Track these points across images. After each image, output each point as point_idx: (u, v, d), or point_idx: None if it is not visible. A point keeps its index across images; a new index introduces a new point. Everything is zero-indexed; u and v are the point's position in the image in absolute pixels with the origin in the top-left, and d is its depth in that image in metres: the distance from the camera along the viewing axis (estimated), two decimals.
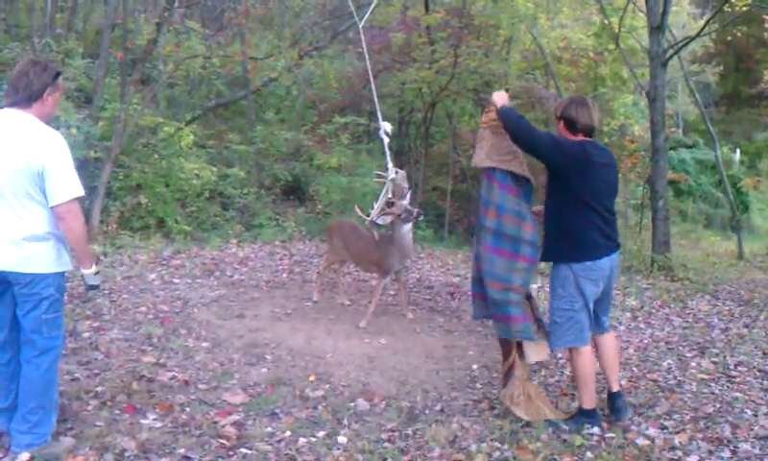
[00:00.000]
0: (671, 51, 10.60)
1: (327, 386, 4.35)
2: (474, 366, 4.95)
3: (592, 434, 3.81)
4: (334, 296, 6.68)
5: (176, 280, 6.76)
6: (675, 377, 5.03)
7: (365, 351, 5.08)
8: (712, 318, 7.29)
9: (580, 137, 3.83)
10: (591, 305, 3.88)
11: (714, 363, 5.53)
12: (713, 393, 4.74)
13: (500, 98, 3.98)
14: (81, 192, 3.08)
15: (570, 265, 3.81)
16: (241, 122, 14.27)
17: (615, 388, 4.10)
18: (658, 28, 10.17)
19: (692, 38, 11.41)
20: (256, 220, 11.14)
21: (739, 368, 5.43)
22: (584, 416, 3.92)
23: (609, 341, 4.15)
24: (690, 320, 7.16)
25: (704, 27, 11.36)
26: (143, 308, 5.63)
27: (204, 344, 4.94)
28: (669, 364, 5.39)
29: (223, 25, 14.01)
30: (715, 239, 19.94)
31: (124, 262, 7.50)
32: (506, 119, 3.85)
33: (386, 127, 5.74)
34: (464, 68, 11.78)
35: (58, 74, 3.16)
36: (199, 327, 5.32)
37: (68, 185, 3.03)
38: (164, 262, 7.72)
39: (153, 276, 6.83)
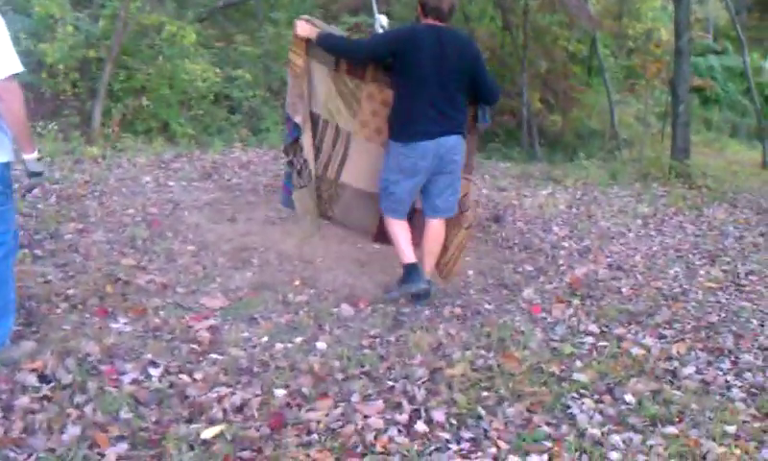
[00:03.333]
0: None
1: (312, 291, 4.19)
2: (470, 272, 4.76)
3: (583, 342, 3.63)
4: None
5: (170, 183, 6.57)
6: (680, 286, 4.83)
7: (356, 256, 4.90)
8: (727, 226, 7.04)
9: (429, 21, 4.01)
10: (411, 184, 4.08)
11: (724, 271, 5.32)
12: (719, 302, 4.55)
13: (304, 30, 4.17)
14: (19, 68, 2.80)
15: (394, 142, 4.09)
16: (251, 23, 13.83)
17: (426, 272, 4.20)
18: None
19: None
20: (263, 124, 10.88)
21: (750, 277, 5.23)
22: (405, 272, 4.15)
23: (433, 226, 4.22)
24: (704, 228, 6.92)
25: None
26: (131, 211, 5.46)
27: (190, 247, 4.77)
28: (676, 272, 5.19)
29: None
30: (740, 148, 19.42)
31: (121, 165, 7.32)
32: (324, 46, 4.17)
33: (382, 20, 5.40)
34: None
35: None
36: (187, 230, 5.15)
37: (3, 61, 2.74)
38: (163, 165, 7.52)
39: (147, 178, 6.65)
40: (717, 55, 24.99)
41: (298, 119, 4.40)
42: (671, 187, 9.10)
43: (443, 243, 4.28)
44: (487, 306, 4.16)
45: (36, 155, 3.06)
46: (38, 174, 3.12)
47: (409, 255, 4.15)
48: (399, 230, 4.19)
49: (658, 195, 8.40)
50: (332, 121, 4.49)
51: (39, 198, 5.57)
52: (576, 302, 4.24)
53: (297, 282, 4.26)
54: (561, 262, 5.09)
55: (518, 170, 9.88)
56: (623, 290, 4.54)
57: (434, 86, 3.97)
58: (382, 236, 4.54)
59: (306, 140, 4.49)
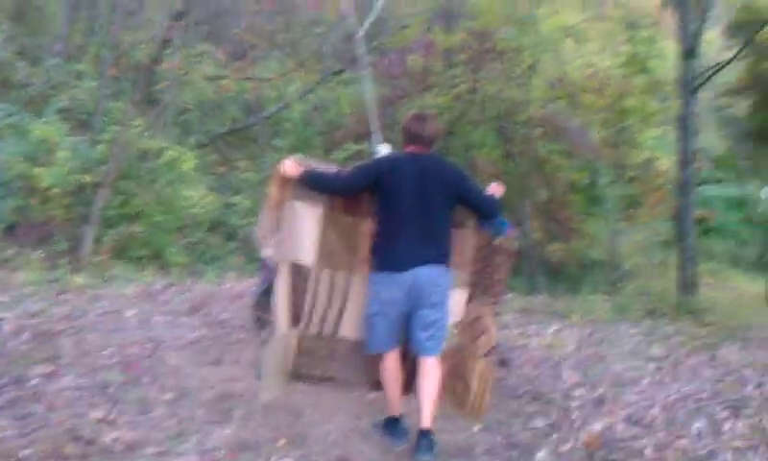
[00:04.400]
0: (702, 78, 9.97)
1: (299, 453, 3.74)
2: (475, 428, 4.31)
3: None
4: None
5: (155, 318, 6.20)
6: (705, 446, 4.36)
7: (350, 408, 4.46)
8: (745, 370, 6.58)
9: (411, 148, 4.02)
10: (392, 316, 3.94)
11: (751, 427, 4.85)
12: None
13: (290, 168, 4.13)
14: None
15: (372, 273, 4.05)
16: (253, 149, 13.85)
17: (424, 424, 3.85)
18: (688, 53, 9.58)
19: (724, 64, 10.79)
20: (259, 252, 10.61)
21: None
22: (387, 422, 4.07)
23: (424, 367, 3.94)
24: (720, 372, 6.46)
25: (737, 53, 10.74)
26: (108, 351, 5.06)
27: (167, 395, 4.35)
28: (699, 428, 4.72)
29: (238, 50, 13.71)
30: (742, 279, 19.13)
31: (106, 296, 6.96)
32: (312, 184, 4.14)
33: (382, 150, 5.18)
34: (483, 94, 11.26)
35: None
36: (166, 374, 4.73)
37: None
38: (150, 297, 7.17)
39: (132, 312, 6.27)
40: (717, 184, 25.11)
41: (267, 252, 4.35)
42: (680, 325, 8.71)
43: (438, 384, 3.97)
44: None
45: None
46: None
47: (393, 407, 4.04)
48: (386, 369, 4.05)
49: (668, 334, 7.98)
50: (327, 269, 4.30)
51: (12, 335, 5.19)
52: None
53: (282, 442, 3.82)
54: (574, 416, 4.65)
55: (521, 303, 9.49)
56: (645, 451, 4.09)
57: (412, 215, 3.92)
58: (378, 384, 4.27)
59: (281, 284, 4.24)
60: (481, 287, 4.51)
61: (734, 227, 23.24)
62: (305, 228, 4.25)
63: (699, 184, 22.90)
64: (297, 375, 4.48)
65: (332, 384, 4.76)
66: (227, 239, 10.80)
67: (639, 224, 18.57)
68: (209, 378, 4.74)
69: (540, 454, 3.94)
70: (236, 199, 10.87)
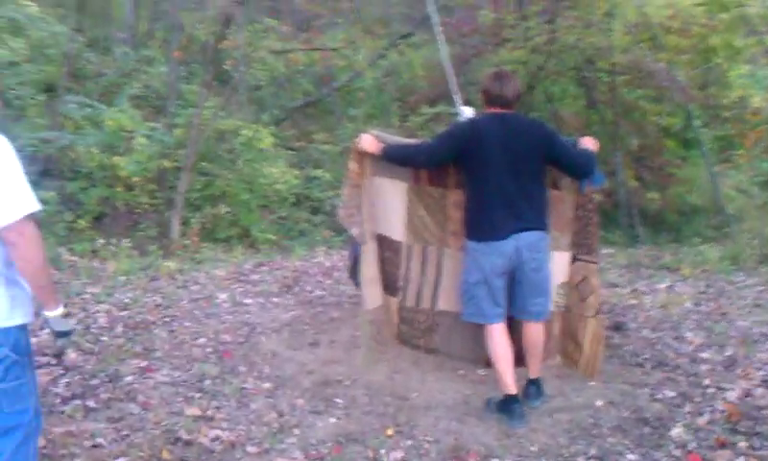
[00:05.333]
0: None
1: (409, 442, 3.44)
2: (599, 402, 3.92)
3: None
4: None
5: (247, 301, 6.02)
6: None
7: (459, 388, 4.14)
8: None
9: (494, 109, 3.79)
10: (493, 284, 3.74)
11: None
12: None
13: (369, 146, 3.99)
14: (35, 206, 2.30)
15: (470, 241, 3.81)
16: (330, 120, 13.59)
17: (532, 374, 3.94)
18: None
19: None
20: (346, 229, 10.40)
21: None
22: (502, 401, 3.75)
23: (531, 329, 3.88)
24: None
25: None
26: (202, 340, 4.89)
27: (266, 385, 4.12)
28: None
29: (302, 22, 13.44)
30: None
31: (198, 281, 6.84)
32: (393, 160, 3.99)
33: (466, 112, 4.80)
34: (561, 44, 10.63)
35: None
36: (263, 361, 4.52)
37: (17, 199, 2.26)
38: (243, 278, 7.02)
39: (223, 296, 6.11)
40: None
41: (355, 231, 4.15)
42: None
43: (542, 344, 3.94)
44: (630, 456, 3.31)
45: (60, 310, 2.50)
46: (66, 333, 2.57)
47: (506, 383, 3.73)
48: (496, 343, 3.78)
49: None
50: (417, 244, 4.26)
51: (105, 329, 5.08)
52: (742, 443, 3.34)
53: (390, 432, 3.52)
54: (706, 382, 4.18)
55: (625, 258, 8.99)
56: None
57: (505, 180, 3.70)
58: (488, 360, 4.06)
59: (367, 261, 4.20)
60: (583, 247, 4.23)
61: None
62: (391, 204, 4.17)
63: None
64: (401, 341, 4.49)
65: (437, 361, 4.48)
66: (312, 213, 10.60)
67: (738, 165, 17.49)
68: (307, 363, 4.50)
69: (676, 430, 3.51)
70: (317, 172, 10.63)
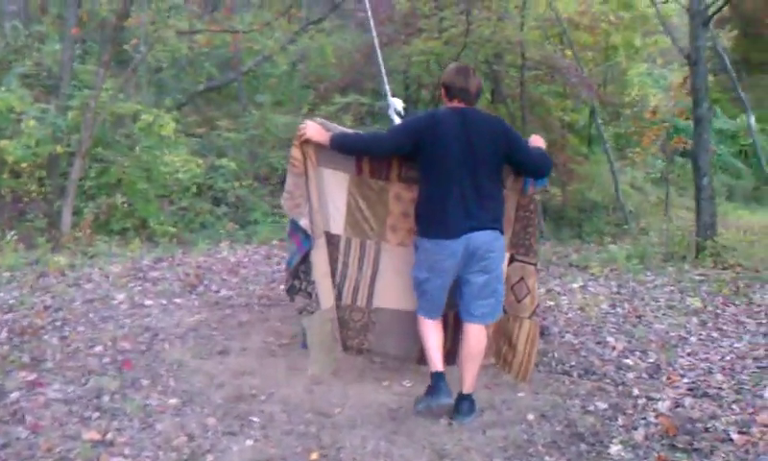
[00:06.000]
0: (715, 7, 9.28)
1: None
2: (530, 416, 3.74)
3: None
4: None
5: (148, 302, 5.57)
6: None
7: (384, 402, 3.87)
8: None
9: (454, 104, 3.68)
10: (441, 282, 3.66)
11: None
12: None
13: (316, 133, 3.83)
14: None
15: (421, 237, 3.69)
16: (232, 107, 13.05)
17: (465, 389, 3.69)
18: None
19: None
20: (251, 216, 9.97)
21: None
22: (430, 382, 3.68)
23: (470, 333, 3.71)
24: (765, 321, 5.96)
25: None
26: (99, 348, 4.43)
27: (172, 401, 3.73)
28: None
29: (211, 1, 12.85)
30: (742, 213, 18.77)
31: (92, 277, 6.32)
32: (342, 149, 3.84)
33: (396, 104, 4.55)
34: (476, 37, 10.53)
35: None
36: (167, 373, 4.12)
37: None
38: (141, 275, 6.53)
39: (121, 296, 5.64)
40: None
41: (304, 223, 3.89)
42: (705, 269, 8.22)
43: (483, 352, 3.77)
44: None
45: None
46: None
47: (435, 363, 3.71)
48: (430, 332, 3.77)
49: (696, 282, 7.46)
50: (355, 238, 4.09)
51: None
52: None
53: (314, 456, 3.21)
54: (635, 392, 4.07)
55: None
56: (732, 435, 3.53)
57: (462, 177, 3.58)
58: (424, 359, 3.94)
59: (319, 256, 3.96)
60: (521, 248, 4.13)
61: (727, 159, 22.82)
62: (331, 195, 4.02)
63: (687, 118, 22.52)
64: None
65: (358, 370, 4.21)
66: (215, 204, 10.10)
67: (633, 163, 18.03)
68: (217, 375, 4.13)
69: (615, 448, 3.36)
70: (222, 161, 10.13)
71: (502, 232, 3.73)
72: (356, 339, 4.19)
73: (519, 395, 4.00)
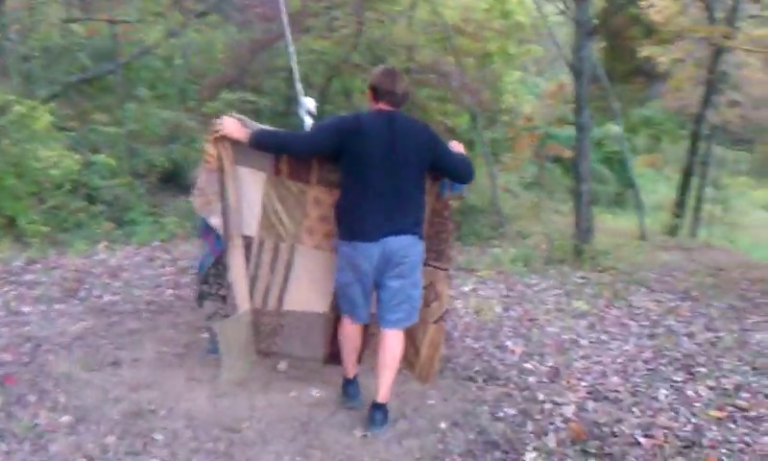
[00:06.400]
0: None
1: None
2: (442, 424, 3.71)
3: None
4: None
5: (25, 308, 5.16)
6: (687, 420, 3.99)
7: (294, 414, 3.73)
8: (667, 319, 6.41)
9: (381, 106, 3.63)
10: (362, 285, 3.63)
11: (711, 388, 4.57)
12: (744, 441, 3.73)
13: (234, 129, 3.66)
14: None
15: (340, 240, 3.68)
16: (108, 100, 12.38)
17: (379, 398, 3.64)
18: None
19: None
20: (129, 215, 9.46)
21: (742, 393, 4.50)
22: (342, 385, 3.90)
23: (386, 339, 3.67)
24: (647, 324, 6.24)
25: None
26: None
27: (64, 418, 3.45)
28: (666, 396, 4.36)
29: None
30: (608, 217, 19.72)
31: None
32: (261, 146, 3.71)
33: (308, 104, 4.42)
34: (368, 38, 10.50)
35: None
36: (55, 387, 3.80)
37: None
38: (14, 278, 6.05)
39: None
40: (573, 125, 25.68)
41: (215, 221, 3.74)
42: (585, 273, 8.54)
43: (398, 358, 3.71)
44: None
45: None
46: None
47: (347, 369, 3.87)
48: (347, 337, 3.81)
49: (578, 284, 7.74)
50: (269, 239, 3.97)
51: None
52: None
53: None
54: (540, 396, 4.14)
55: None
56: (639, 438, 3.64)
57: (383, 181, 3.53)
58: (332, 359, 4.11)
59: (235, 257, 3.82)
60: (433, 253, 4.07)
61: (594, 165, 23.93)
62: (247, 195, 3.89)
63: (549, 124, 23.48)
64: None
65: (263, 380, 4.05)
66: (89, 202, 9.51)
67: (507, 168, 18.59)
68: (111, 388, 3.86)
69: (530, 455, 3.38)
70: (99, 157, 9.55)
71: (421, 238, 3.70)
72: (264, 343, 4.06)
73: (430, 402, 3.98)
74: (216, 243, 3.76)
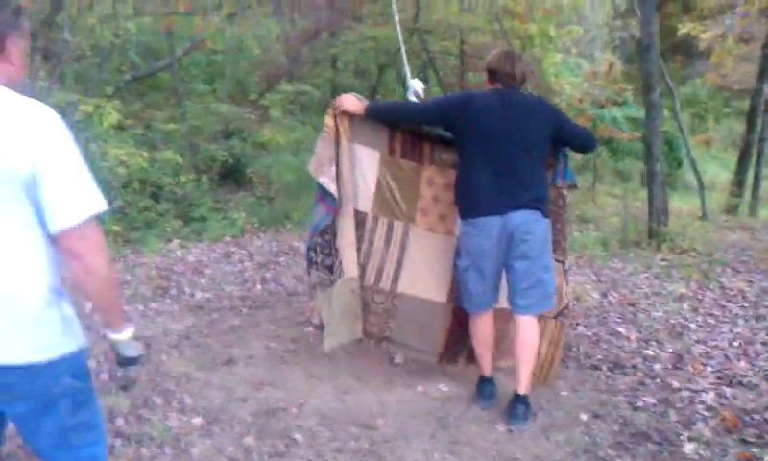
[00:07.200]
0: None
1: None
2: (583, 416, 3.53)
3: None
4: None
5: (124, 307, 5.06)
6: None
7: (427, 409, 3.58)
8: (765, 299, 6.14)
9: (497, 86, 3.55)
10: (484, 269, 3.46)
11: None
12: None
13: (352, 104, 3.73)
14: (101, 205, 1.80)
15: (461, 220, 3.60)
16: (160, 97, 12.35)
17: (520, 390, 3.47)
18: None
19: None
20: (196, 212, 9.39)
21: None
22: (478, 383, 3.73)
23: (520, 327, 3.49)
24: (746, 305, 5.98)
25: None
26: (92, 362, 3.95)
27: (195, 420, 3.33)
28: None
29: None
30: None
31: None
32: (377, 115, 3.77)
33: (416, 86, 4.26)
34: (426, 22, 10.31)
35: (19, 10, 1.83)
36: (177, 387, 3.70)
37: (81, 195, 1.74)
38: None
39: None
40: (619, 106, 25.15)
41: (323, 180, 3.71)
42: (664, 255, 8.28)
43: (536, 346, 3.54)
44: None
45: (130, 332, 1.96)
46: (133, 360, 2.00)
47: (482, 365, 3.70)
48: (477, 330, 3.64)
49: (664, 268, 7.48)
50: (383, 217, 3.91)
51: None
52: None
53: None
54: (675, 384, 3.94)
55: None
56: None
57: (499, 156, 3.42)
58: (449, 355, 3.98)
59: (345, 224, 3.82)
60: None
61: (638, 146, 23.43)
62: (362, 172, 3.87)
63: (602, 106, 23.09)
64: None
65: (384, 377, 3.90)
66: (157, 201, 9.47)
67: None
68: (234, 387, 3.74)
69: (689, 445, 3.19)
70: (165, 154, 9.49)
71: (546, 216, 3.51)
72: (377, 326, 3.92)
73: (563, 393, 3.80)
74: (333, 203, 3.69)
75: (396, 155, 3.89)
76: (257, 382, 3.81)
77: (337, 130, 3.74)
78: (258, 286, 5.91)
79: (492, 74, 3.57)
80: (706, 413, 3.56)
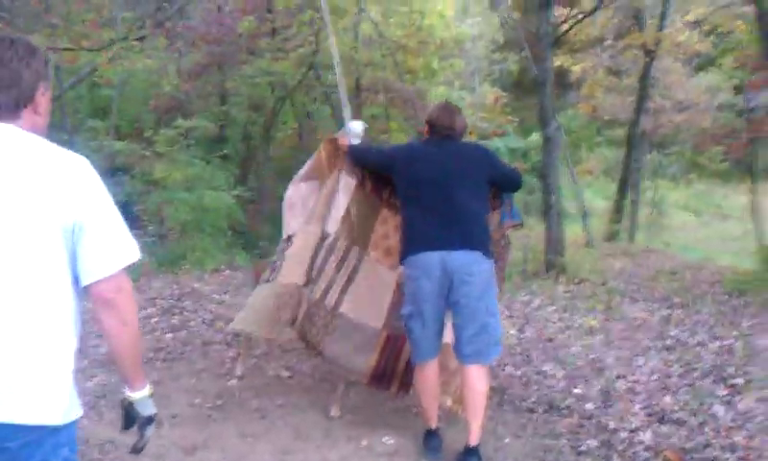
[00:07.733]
0: (560, 31, 9.74)
1: None
2: None
3: None
4: (262, 364, 4.92)
5: None
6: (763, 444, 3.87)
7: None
8: (669, 329, 6.38)
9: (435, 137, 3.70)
10: (426, 313, 3.40)
11: (760, 400, 4.49)
12: None
13: (345, 142, 4.10)
14: (137, 254, 1.75)
15: (402, 264, 3.59)
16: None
17: (471, 441, 3.42)
18: (546, 4, 9.25)
19: (589, 13, 10.68)
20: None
21: None
22: (424, 436, 3.63)
23: (471, 376, 3.41)
24: (653, 336, 6.19)
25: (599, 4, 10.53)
26: None
27: None
28: (725, 413, 4.24)
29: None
30: (539, 228, 19.98)
31: None
32: (354, 157, 4.07)
33: (355, 127, 4.20)
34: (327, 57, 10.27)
35: (47, 60, 1.81)
36: (103, 456, 3.41)
37: (119, 245, 1.71)
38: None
39: None
40: (500, 137, 25.96)
41: (293, 227, 4.23)
42: (564, 286, 8.53)
43: (485, 395, 3.46)
44: None
45: (148, 390, 1.86)
46: (151, 419, 1.87)
47: (428, 418, 3.60)
48: (422, 380, 3.54)
49: (567, 299, 7.69)
50: (344, 240, 4.06)
51: None
52: None
53: None
54: (611, 425, 3.98)
55: None
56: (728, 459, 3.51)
57: (437, 199, 3.45)
58: (377, 380, 3.93)
59: (303, 238, 4.12)
60: None
61: (528, 177, 24.24)
62: (339, 198, 4.10)
63: (484, 138, 23.76)
64: (299, 333, 3.97)
65: (319, 431, 3.73)
66: None
67: None
68: (164, 451, 3.47)
69: None
70: None
71: (489, 257, 3.47)
72: (313, 338, 3.90)
73: (506, 441, 3.76)
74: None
75: (366, 188, 4.16)
76: (189, 446, 3.57)
77: (330, 157, 4.15)
78: (168, 335, 5.61)
79: (432, 126, 3.67)
80: (646, 454, 3.61)
